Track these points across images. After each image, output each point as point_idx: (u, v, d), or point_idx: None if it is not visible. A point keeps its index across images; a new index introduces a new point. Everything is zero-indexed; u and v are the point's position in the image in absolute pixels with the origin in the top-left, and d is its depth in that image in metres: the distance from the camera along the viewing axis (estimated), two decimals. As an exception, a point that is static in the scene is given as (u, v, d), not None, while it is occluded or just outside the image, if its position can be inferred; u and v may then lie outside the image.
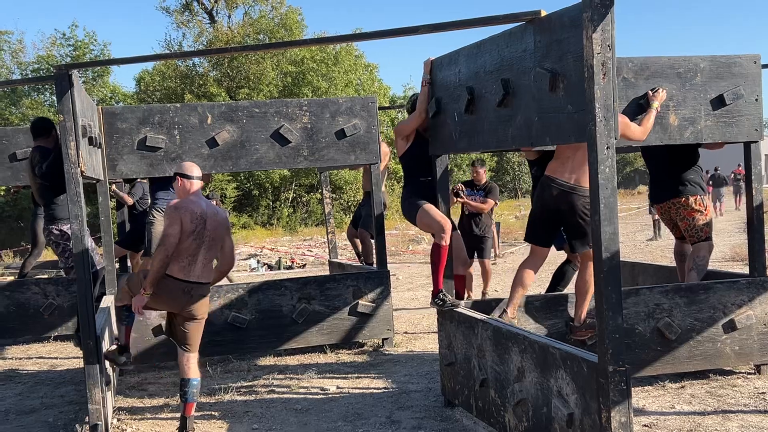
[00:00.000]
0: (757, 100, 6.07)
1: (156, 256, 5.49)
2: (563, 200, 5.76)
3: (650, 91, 5.85)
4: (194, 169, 5.68)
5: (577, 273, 6.24)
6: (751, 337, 6.30)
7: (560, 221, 5.89)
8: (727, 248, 16.37)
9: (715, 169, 31.88)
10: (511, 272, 14.26)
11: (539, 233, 6.00)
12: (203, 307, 5.71)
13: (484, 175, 10.60)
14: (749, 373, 6.44)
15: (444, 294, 5.92)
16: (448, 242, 5.96)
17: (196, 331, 5.70)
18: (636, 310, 6.14)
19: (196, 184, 5.66)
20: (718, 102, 5.97)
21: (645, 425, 5.29)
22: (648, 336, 6.17)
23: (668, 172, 6.72)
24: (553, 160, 5.87)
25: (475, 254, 10.53)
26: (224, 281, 12.82)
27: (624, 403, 3.75)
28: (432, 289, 6.11)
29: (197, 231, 5.52)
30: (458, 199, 10.29)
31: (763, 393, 5.89)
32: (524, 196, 51.57)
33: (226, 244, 5.75)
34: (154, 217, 8.95)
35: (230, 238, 5.82)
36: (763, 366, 6.38)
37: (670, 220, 6.89)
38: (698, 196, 6.67)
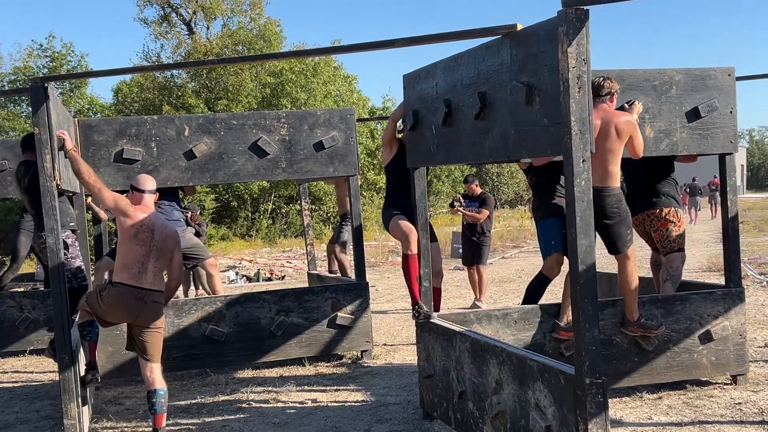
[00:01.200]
0: (731, 112, 6.13)
1: (85, 169, 5.70)
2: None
3: (626, 104, 5.91)
4: (147, 184, 5.86)
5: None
6: (727, 348, 6.34)
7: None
8: (704, 258, 16.48)
9: (693, 180, 34.13)
10: (493, 282, 14.27)
11: None
12: (159, 316, 5.77)
13: (477, 189, 11.38)
14: (726, 384, 6.48)
15: (420, 305, 5.99)
16: (414, 251, 6.12)
17: (155, 341, 5.76)
18: (613, 321, 6.18)
19: (147, 198, 5.83)
20: (693, 114, 6.03)
21: (623, 436, 5.32)
22: (625, 347, 6.21)
23: (644, 183, 6.76)
24: None
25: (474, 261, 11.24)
26: (203, 293, 12.79)
27: (601, 415, 3.75)
28: (410, 300, 6.20)
29: (142, 238, 5.64)
30: (455, 208, 11.12)
31: (740, 404, 5.93)
32: (503, 207, 51.71)
33: (174, 257, 5.83)
34: None
35: (179, 253, 5.91)
36: (740, 376, 6.42)
37: (644, 232, 6.93)
38: (672, 208, 6.72)
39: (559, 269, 6.97)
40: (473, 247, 11.16)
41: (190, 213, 13.31)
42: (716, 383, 6.52)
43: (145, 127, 7.53)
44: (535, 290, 6.98)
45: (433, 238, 7.25)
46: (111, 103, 35.81)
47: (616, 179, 5.84)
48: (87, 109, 33.73)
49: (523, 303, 6.92)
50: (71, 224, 6.87)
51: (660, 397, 6.22)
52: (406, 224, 6.23)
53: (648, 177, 6.73)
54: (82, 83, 33.70)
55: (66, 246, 6.78)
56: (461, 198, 11.27)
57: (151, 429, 6.00)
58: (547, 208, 7.00)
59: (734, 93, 6.16)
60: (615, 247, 5.97)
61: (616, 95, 5.84)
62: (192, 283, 13.23)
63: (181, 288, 13.83)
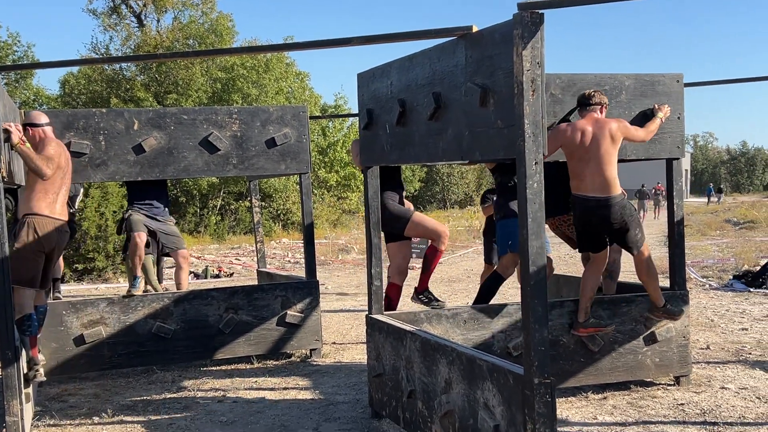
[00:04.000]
0: (679, 118, 6.25)
1: (41, 162, 5.77)
2: (595, 214, 6.00)
3: (656, 105, 6.08)
4: (41, 117, 6.24)
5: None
6: (671, 350, 6.46)
7: (600, 230, 6.14)
8: (649, 261, 16.75)
9: (642, 186, 38.26)
10: (442, 282, 14.35)
11: (588, 243, 6.27)
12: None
13: None
14: (669, 385, 6.60)
15: (429, 292, 7.04)
16: (445, 246, 7.13)
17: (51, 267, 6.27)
18: (561, 322, 6.25)
19: (48, 130, 6.21)
20: (642, 119, 6.12)
21: (568, 436, 5.38)
22: (572, 347, 6.28)
23: (563, 188, 6.81)
24: (572, 180, 6.09)
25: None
26: (150, 289, 12.60)
27: (549, 414, 3.80)
28: (417, 286, 7.10)
29: (66, 168, 6.05)
30: None
31: (682, 404, 6.05)
32: (452, 207, 52.01)
33: None
34: (132, 213, 8.79)
35: None
36: (682, 378, 6.55)
37: (564, 234, 6.99)
38: None
39: (513, 269, 7.03)
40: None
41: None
42: (660, 384, 6.63)
43: (93, 120, 7.40)
44: (488, 289, 7.04)
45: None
46: (58, 95, 35.20)
47: (616, 186, 5.97)
48: (33, 100, 33.12)
49: (476, 301, 6.97)
50: None
51: (605, 397, 6.31)
52: (432, 220, 7.24)
53: (566, 182, 6.82)
54: (28, 74, 33.07)
55: None
56: None
57: (97, 427, 5.93)
58: (507, 209, 7.06)
59: (682, 99, 6.27)
60: (630, 249, 6.20)
61: (605, 108, 5.96)
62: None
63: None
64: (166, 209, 9.09)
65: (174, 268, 9.76)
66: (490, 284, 7.02)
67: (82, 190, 10.08)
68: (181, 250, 9.09)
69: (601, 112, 5.91)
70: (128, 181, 8.54)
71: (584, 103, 5.91)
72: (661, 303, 6.29)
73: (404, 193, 7.32)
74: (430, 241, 7.24)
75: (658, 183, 40.18)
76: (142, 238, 8.63)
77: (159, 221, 8.94)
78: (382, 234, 6.79)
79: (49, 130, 6.20)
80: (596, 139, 5.81)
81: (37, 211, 5.84)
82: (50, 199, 5.90)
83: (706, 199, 58.72)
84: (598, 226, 6.06)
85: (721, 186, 72.14)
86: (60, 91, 35.56)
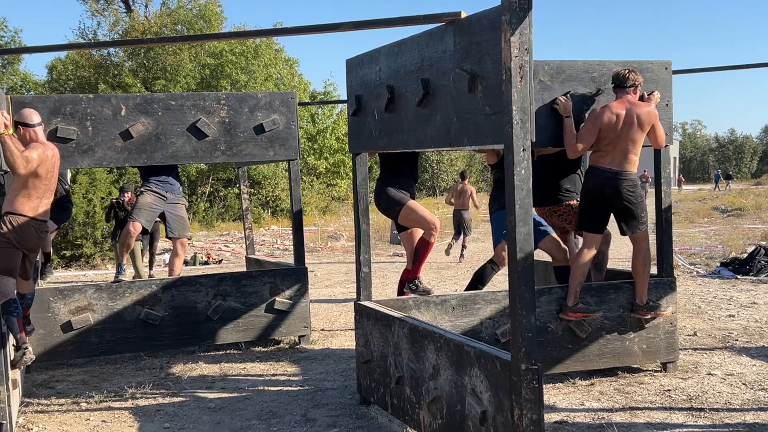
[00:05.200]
0: (667, 105, 6.26)
1: (19, 159, 5.62)
2: (608, 185, 6.09)
3: (646, 93, 6.09)
4: (34, 117, 5.99)
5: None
6: (658, 336, 6.49)
7: (608, 206, 6.20)
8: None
9: None
10: (431, 269, 14.37)
11: (590, 220, 6.30)
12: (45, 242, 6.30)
13: None
14: (656, 371, 6.63)
15: (419, 280, 7.22)
16: (436, 239, 7.12)
17: (32, 261, 6.20)
18: (548, 309, 6.26)
19: (40, 131, 6.00)
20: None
21: (556, 422, 5.40)
22: (560, 334, 6.30)
23: (551, 178, 6.83)
24: (594, 153, 6.15)
25: None
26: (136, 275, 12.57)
27: (536, 400, 3.81)
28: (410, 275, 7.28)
29: (50, 175, 5.90)
30: None
31: (669, 390, 6.08)
32: (442, 194, 52.01)
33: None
34: (143, 193, 8.86)
35: None
36: (669, 364, 6.58)
37: (552, 224, 7.03)
38: (574, 201, 6.86)
39: None
40: None
41: (128, 194, 13.04)
42: (647, 370, 6.66)
43: (80, 106, 7.36)
44: (481, 275, 7.09)
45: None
46: (45, 81, 34.99)
47: (634, 166, 6.11)
48: (20, 86, 32.92)
49: (468, 287, 7.02)
50: None
51: (592, 384, 6.34)
52: (427, 211, 7.24)
53: (557, 172, 6.83)
54: (15, 59, 32.89)
55: None
56: None
57: (85, 414, 5.92)
58: (501, 201, 7.09)
59: (671, 86, 6.28)
60: (629, 228, 6.26)
61: (639, 86, 6.02)
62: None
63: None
64: (180, 188, 9.11)
65: (168, 254, 9.75)
66: (484, 272, 7.06)
67: (69, 170, 10.03)
68: (182, 237, 9.07)
69: (635, 93, 5.98)
70: None
71: (619, 85, 5.96)
72: (645, 300, 6.32)
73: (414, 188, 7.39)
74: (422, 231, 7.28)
75: (645, 171, 40.08)
76: (136, 228, 8.62)
77: (170, 202, 8.94)
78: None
79: (40, 131, 6.01)
80: (626, 124, 5.93)
81: (21, 211, 5.76)
82: (34, 203, 5.82)
83: (713, 185, 59.25)
84: (607, 200, 6.13)
85: (730, 173, 72.32)
86: (47, 77, 35.33)
